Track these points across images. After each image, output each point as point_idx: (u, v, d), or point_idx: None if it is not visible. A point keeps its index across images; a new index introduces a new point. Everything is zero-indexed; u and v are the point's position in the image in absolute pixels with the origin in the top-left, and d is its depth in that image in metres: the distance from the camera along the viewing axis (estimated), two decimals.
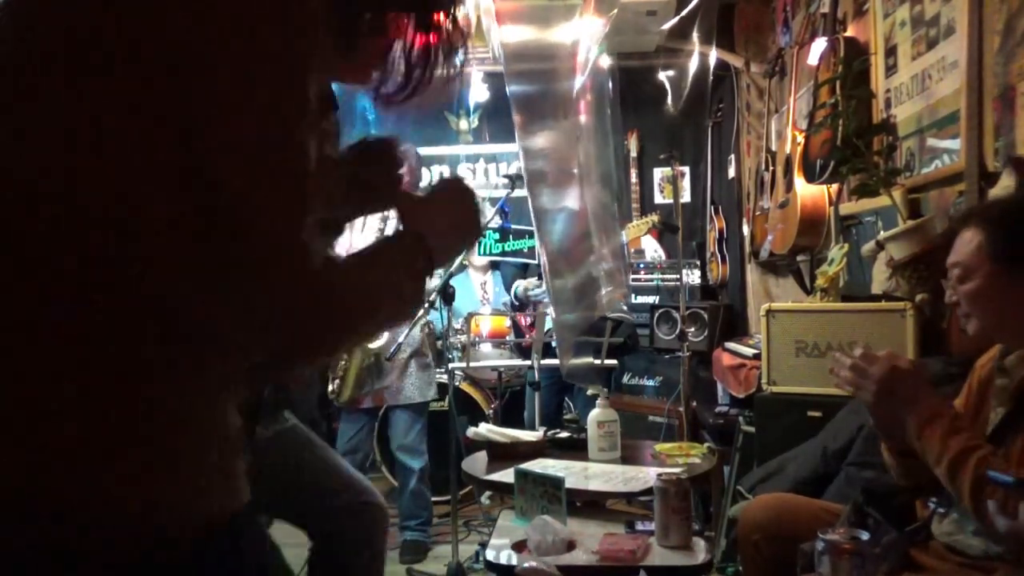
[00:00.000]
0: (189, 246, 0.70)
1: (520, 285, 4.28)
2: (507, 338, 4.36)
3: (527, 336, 4.18)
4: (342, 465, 1.86)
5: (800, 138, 3.22)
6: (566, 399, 4.33)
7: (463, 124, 5.48)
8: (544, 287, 3.75)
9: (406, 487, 3.49)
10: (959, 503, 1.37)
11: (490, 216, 3.51)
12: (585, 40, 2.80)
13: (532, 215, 2.34)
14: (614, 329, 3.47)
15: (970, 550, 1.43)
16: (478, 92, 5.14)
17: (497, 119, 5.18)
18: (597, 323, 3.48)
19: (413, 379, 3.50)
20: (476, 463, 2.43)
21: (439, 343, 4.18)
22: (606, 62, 3.12)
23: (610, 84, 3.10)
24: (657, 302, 4.44)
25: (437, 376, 4.19)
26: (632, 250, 4.82)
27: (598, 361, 3.37)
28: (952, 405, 1.48)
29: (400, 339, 3.51)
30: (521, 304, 4.34)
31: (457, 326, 4.14)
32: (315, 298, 0.72)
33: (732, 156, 4.84)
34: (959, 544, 1.45)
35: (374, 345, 3.41)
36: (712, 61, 4.67)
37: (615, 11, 2.94)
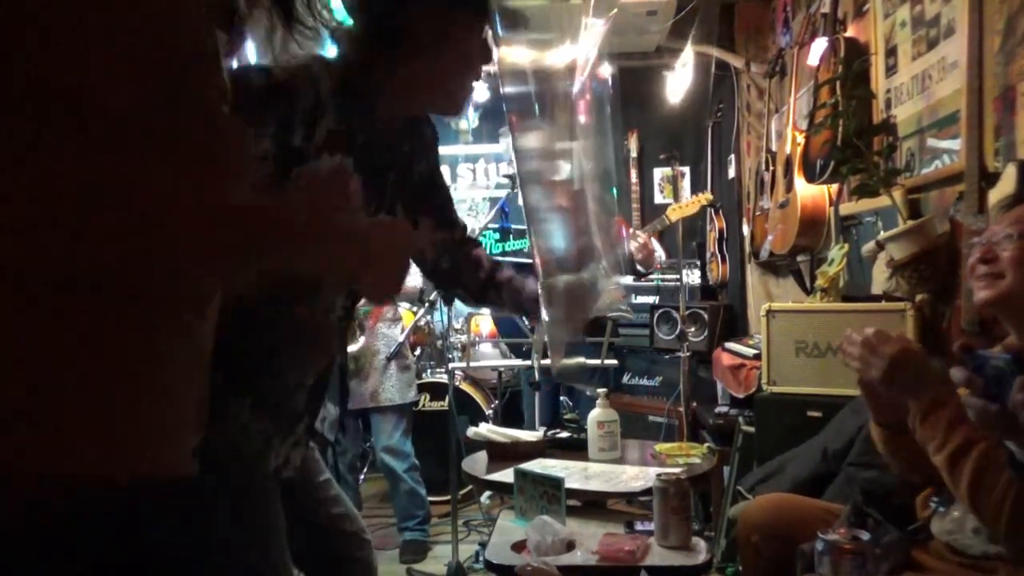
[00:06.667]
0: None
1: None
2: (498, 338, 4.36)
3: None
4: (350, 508, 1.68)
5: (800, 138, 3.22)
6: (562, 398, 4.33)
7: (463, 124, 5.48)
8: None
9: (397, 489, 3.49)
10: (956, 494, 1.37)
11: (490, 215, 3.52)
12: (584, 41, 2.80)
13: (525, 216, 2.34)
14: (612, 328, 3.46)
15: (969, 549, 1.43)
16: (478, 92, 5.14)
17: (497, 119, 5.18)
18: (596, 322, 3.48)
19: (393, 381, 3.51)
20: (476, 463, 2.43)
21: (439, 343, 4.19)
22: (605, 61, 3.12)
23: (610, 83, 3.09)
24: (657, 302, 4.44)
25: (437, 376, 4.20)
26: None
27: (597, 360, 3.37)
28: (956, 394, 1.47)
29: (401, 338, 3.52)
30: None
31: (457, 326, 4.15)
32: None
33: (732, 156, 4.84)
34: (958, 543, 1.45)
35: (352, 348, 3.42)
36: (712, 61, 4.67)
37: (615, 11, 2.94)
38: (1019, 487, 1.26)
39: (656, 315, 4.24)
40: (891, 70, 2.65)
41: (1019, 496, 1.26)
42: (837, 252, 2.72)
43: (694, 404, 3.52)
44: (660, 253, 5.04)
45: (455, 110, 1.42)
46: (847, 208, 3.00)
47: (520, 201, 3.93)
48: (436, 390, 4.10)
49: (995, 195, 1.91)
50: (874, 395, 1.54)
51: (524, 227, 4.15)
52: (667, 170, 5.47)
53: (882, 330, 1.47)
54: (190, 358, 0.77)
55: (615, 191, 3.42)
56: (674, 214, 4.28)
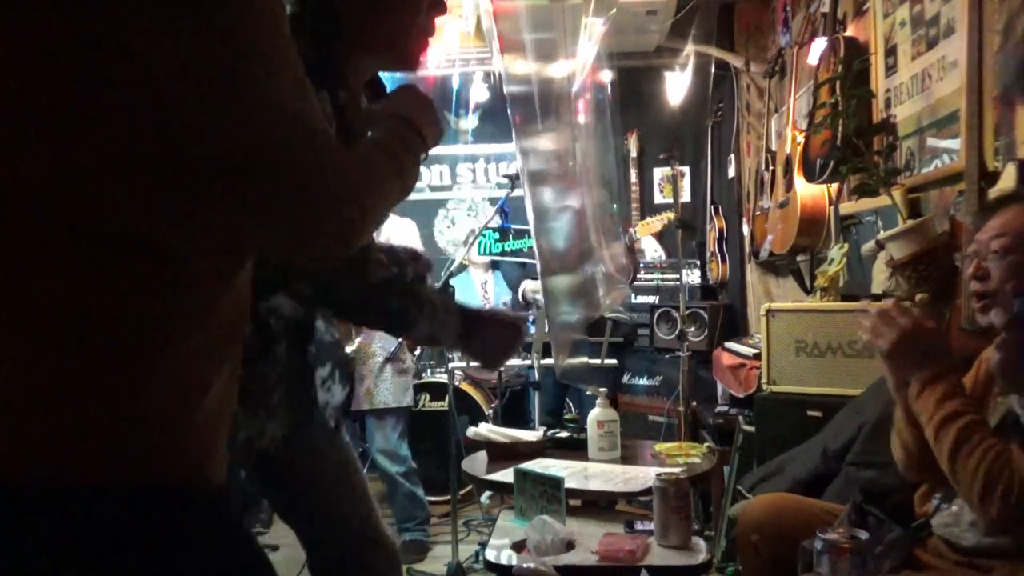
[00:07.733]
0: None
1: (528, 286, 4.26)
2: None
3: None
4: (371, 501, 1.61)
5: (800, 138, 3.22)
6: (566, 399, 4.32)
7: (463, 124, 5.48)
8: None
9: (395, 492, 3.48)
10: (940, 462, 1.37)
11: (490, 216, 3.52)
12: (584, 40, 2.81)
13: (530, 215, 2.34)
14: (613, 328, 3.46)
15: (963, 541, 1.43)
16: (478, 92, 5.14)
17: (497, 119, 5.17)
18: (597, 322, 3.48)
19: (388, 384, 3.47)
20: (476, 463, 2.43)
21: None
22: (605, 62, 3.12)
23: (610, 85, 3.10)
24: (657, 302, 4.44)
25: (437, 376, 4.20)
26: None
27: (597, 360, 3.37)
28: (958, 371, 1.47)
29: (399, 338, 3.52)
30: (527, 304, 4.33)
31: None
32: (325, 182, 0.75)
33: (732, 156, 4.84)
34: (953, 536, 1.45)
35: (347, 349, 3.40)
36: (712, 61, 4.67)
37: (614, 10, 2.94)
38: (997, 450, 1.27)
39: (656, 315, 4.24)
40: (891, 70, 2.65)
41: (994, 462, 1.27)
42: (837, 252, 2.72)
43: (694, 404, 3.52)
44: (658, 251, 5.05)
45: (407, 64, 1.35)
46: (847, 208, 3.00)
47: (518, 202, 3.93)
48: (436, 390, 4.10)
49: (994, 195, 1.91)
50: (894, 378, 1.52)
51: (524, 227, 4.15)
52: (667, 170, 5.46)
53: (903, 304, 1.47)
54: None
55: (615, 208, 3.43)
56: (643, 230, 4.58)
